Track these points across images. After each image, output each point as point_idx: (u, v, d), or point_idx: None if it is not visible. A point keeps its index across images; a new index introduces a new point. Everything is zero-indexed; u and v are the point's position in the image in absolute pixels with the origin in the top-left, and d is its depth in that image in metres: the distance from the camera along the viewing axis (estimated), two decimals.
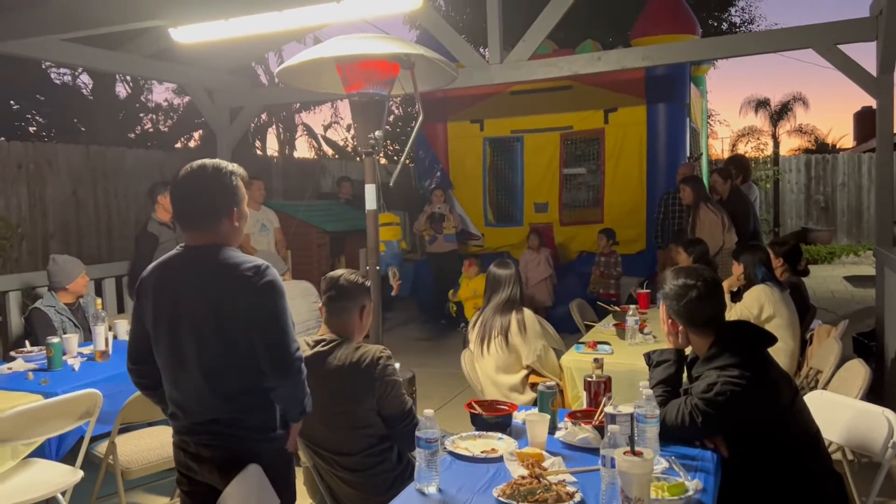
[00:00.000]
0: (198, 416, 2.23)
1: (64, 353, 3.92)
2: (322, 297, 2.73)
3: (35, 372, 3.71)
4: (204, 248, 2.23)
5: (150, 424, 3.64)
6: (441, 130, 9.49)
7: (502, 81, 6.39)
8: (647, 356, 2.73)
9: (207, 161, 2.28)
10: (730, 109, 47.00)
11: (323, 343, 2.63)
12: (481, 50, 9.33)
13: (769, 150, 19.78)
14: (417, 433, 2.11)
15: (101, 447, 3.41)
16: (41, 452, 3.30)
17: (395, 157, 15.88)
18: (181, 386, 2.25)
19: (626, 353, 3.97)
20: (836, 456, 2.87)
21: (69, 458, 3.31)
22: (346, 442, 2.61)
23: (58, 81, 12.15)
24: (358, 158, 13.79)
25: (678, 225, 7.25)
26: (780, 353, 3.89)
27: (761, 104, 20.89)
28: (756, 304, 4.18)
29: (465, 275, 6.71)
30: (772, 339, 2.52)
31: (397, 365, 2.69)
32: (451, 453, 2.41)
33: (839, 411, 2.76)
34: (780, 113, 20.65)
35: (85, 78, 12.30)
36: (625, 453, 1.87)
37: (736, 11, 17.64)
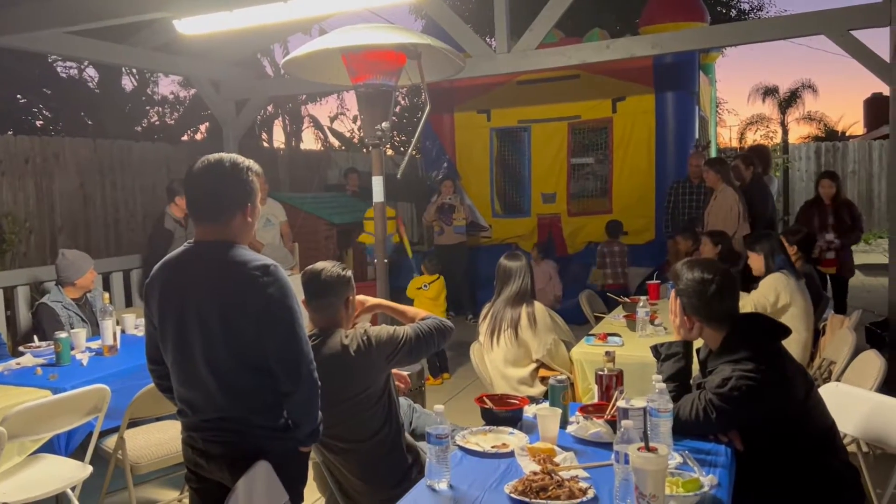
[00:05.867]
0: (206, 414, 2.21)
1: (72, 348, 3.91)
2: (305, 295, 2.66)
3: (43, 367, 3.70)
4: (213, 245, 2.21)
5: (159, 419, 3.63)
6: (448, 121, 9.44)
7: (510, 71, 6.33)
8: (655, 349, 2.68)
9: (224, 155, 2.25)
10: (738, 97, 46.83)
11: (314, 338, 2.58)
12: (488, 39, 9.28)
13: (778, 138, 19.70)
14: (428, 429, 2.09)
15: (110, 442, 3.40)
16: (50, 448, 3.30)
17: (402, 149, 15.84)
18: (189, 383, 2.23)
19: (636, 345, 3.93)
20: (851, 448, 2.83)
21: (78, 454, 3.31)
22: (354, 429, 2.58)
23: (64, 75, 12.11)
24: (365, 150, 13.77)
25: (688, 214, 7.18)
26: (793, 344, 3.84)
27: (770, 92, 20.78)
28: (772, 292, 4.12)
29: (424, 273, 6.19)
30: (786, 332, 2.48)
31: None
32: (462, 448, 2.38)
33: (855, 404, 2.72)
34: (788, 100, 20.54)
35: (91, 71, 12.25)
36: (639, 449, 1.84)
37: None
